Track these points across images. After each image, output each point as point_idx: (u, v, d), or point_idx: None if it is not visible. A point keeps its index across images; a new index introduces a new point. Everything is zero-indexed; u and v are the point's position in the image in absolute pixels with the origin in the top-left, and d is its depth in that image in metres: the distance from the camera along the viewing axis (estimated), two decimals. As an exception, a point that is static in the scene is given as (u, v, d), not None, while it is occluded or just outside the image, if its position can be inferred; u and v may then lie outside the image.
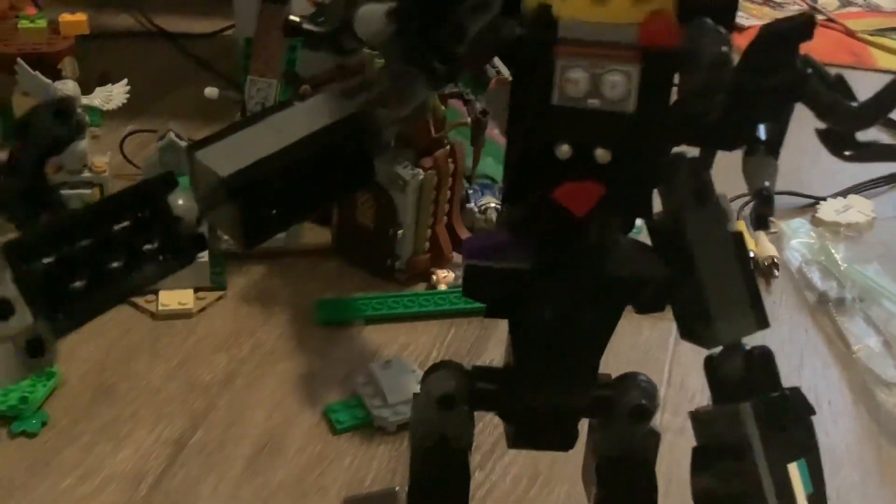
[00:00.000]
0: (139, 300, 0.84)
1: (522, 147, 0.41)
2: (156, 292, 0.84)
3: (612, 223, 0.43)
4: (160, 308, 0.83)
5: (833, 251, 0.98)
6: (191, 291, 0.85)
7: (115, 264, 0.39)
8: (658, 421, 0.74)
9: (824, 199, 1.08)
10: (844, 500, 0.73)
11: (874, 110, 0.41)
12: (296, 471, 0.70)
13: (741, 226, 1.01)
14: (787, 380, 0.44)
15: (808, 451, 0.43)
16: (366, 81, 0.43)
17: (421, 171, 0.86)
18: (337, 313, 0.86)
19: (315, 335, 0.84)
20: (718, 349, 0.45)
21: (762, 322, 0.45)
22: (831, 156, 1.16)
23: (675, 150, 0.44)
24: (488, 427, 0.75)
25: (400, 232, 0.88)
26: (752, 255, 0.96)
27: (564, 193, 0.40)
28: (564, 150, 0.39)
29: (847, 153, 0.43)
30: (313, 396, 0.77)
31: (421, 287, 0.91)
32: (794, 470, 0.42)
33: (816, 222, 1.04)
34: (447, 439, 0.47)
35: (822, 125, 0.43)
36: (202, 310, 0.85)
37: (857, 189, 1.12)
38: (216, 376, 0.78)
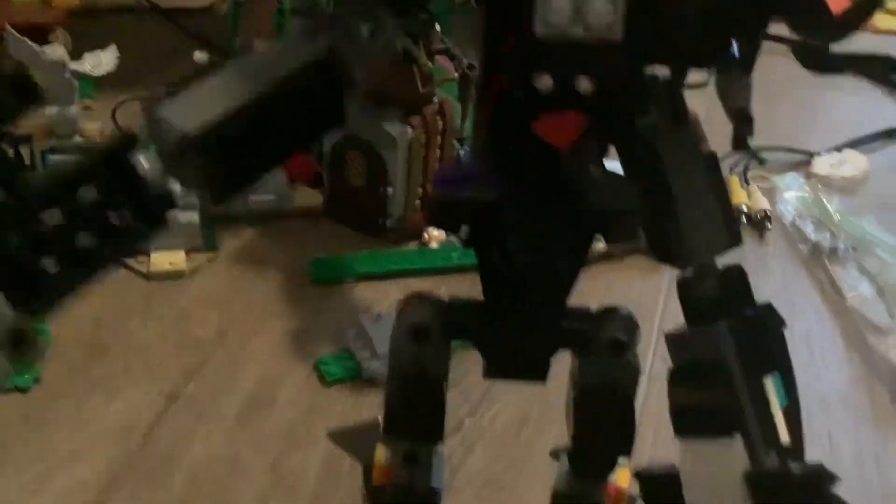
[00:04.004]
0: (131, 261, 0.84)
1: (501, 79, 0.40)
2: (147, 254, 0.85)
3: (591, 154, 0.43)
4: (152, 269, 0.84)
5: (827, 203, 0.97)
6: (182, 253, 0.85)
7: (84, 238, 0.37)
8: (648, 367, 0.75)
9: (819, 153, 1.08)
10: (836, 442, 0.73)
11: (849, 20, 0.41)
12: (287, 421, 0.71)
13: (733, 181, 1.02)
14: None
15: (782, 365, 0.43)
16: (330, 18, 0.43)
17: (409, 128, 0.86)
18: (331, 272, 0.86)
19: (307, 293, 0.84)
20: (691, 271, 0.45)
21: (736, 239, 0.44)
22: (827, 112, 1.17)
23: (649, 68, 0.44)
24: (478, 377, 0.75)
25: (390, 190, 0.88)
26: (744, 208, 0.97)
27: (545, 126, 0.39)
28: (545, 81, 0.38)
29: (819, 66, 0.43)
30: (305, 351, 0.78)
31: (413, 245, 0.91)
32: (770, 383, 0.42)
33: (810, 177, 1.04)
34: (422, 369, 0.47)
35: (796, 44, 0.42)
36: (194, 270, 0.85)
37: (853, 144, 1.11)
38: (209, 333, 0.79)
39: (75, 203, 0.37)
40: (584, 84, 0.38)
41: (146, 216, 0.39)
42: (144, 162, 0.38)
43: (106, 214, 0.38)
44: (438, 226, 0.44)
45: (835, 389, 0.78)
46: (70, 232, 0.37)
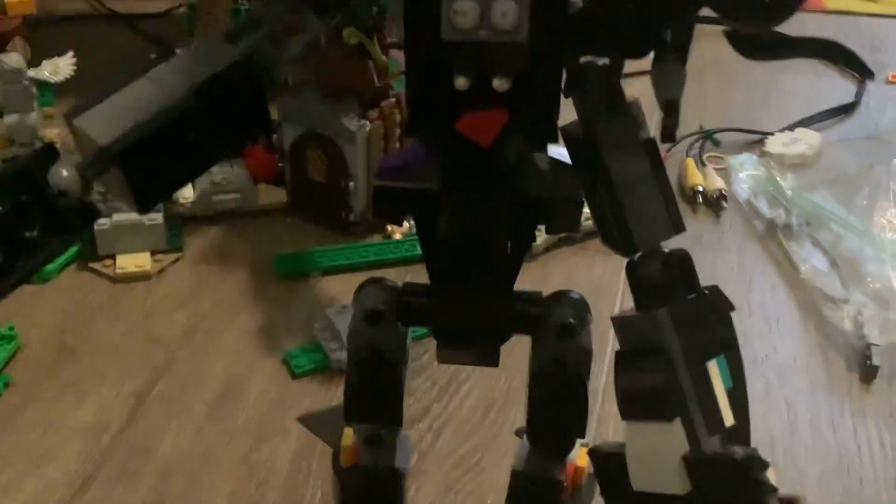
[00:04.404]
0: (96, 265, 0.85)
1: (420, 80, 0.41)
2: (112, 256, 0.85)
3: (520, 146, 0.43)
4: (118, 271, 0.84)
5: (780, 181, 0.99)
6: (147, 254, 0.86)
7: None
8: (608, 350, 0.76)
9: (772, 133, 1.10)
10: (793, 408, 0.75)
11: (778, 8, 0.41)
12: (257, 414, 0.72)
13: (689, 163, 1.04)
14: (736, 302, 0.43)
15: (728, 348, 0.43)
16: (252, 20, 0.41)
17: (367, 122, 0.87)
18: (294, 266, 0.87)
19: (274, 288, 0.85)
20: (638, 255, 0.46)
21: (678, 226, 0.45)
22: (780, 92, 1.17)
23: (585, 58, 0.45)
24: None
25: (352, 184, 0.89)
26: (700, 188, 0.99)
27: (466, 124, 0.40)
28: (461, 82, 0.39)
29: (754, 53, 0.44)
30: (273, 345, 0.79)
31: (377, 238, 0.92)
32: (714, 367, 0.43)
33: (764, 156, 1.06)
34: (380, 352, 0.48)
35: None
36: (160, 271, 0.86)
37: (806, 122, 1.14)
38: (176, 331, 0.80)
39: None
40: (498, 83, 0.39)
41: (60, 230, 0.39)
42: (65, 172, 0.38)
43: (18, 230, 0.38)
44: (381, 216, 0.44)
45: (791, 359, 0.80)
46: None
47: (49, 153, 0.38)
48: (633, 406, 0.43)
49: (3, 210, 0.37)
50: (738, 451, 0.40)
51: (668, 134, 0.41)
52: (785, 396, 0.76)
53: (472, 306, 0.46)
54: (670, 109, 0.40)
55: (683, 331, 0.42)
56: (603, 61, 0.44)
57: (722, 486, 0.40)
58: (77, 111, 0.38)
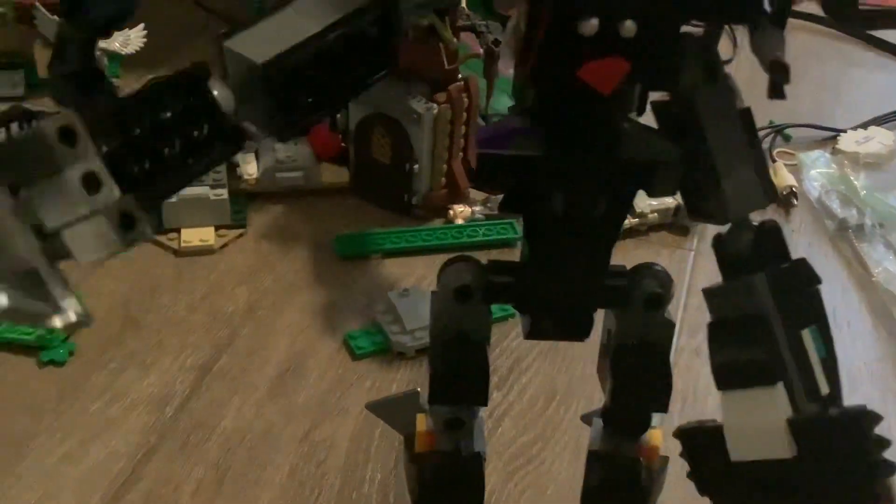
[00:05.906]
0: (161, 238, 0.85)
1: (546, 25, 0.41)
2: (177, 230, 0.86)
3: (631, 103, 0.43)
4: (182, 245, 0.85)
5: (853, 179, 0.97)
6: (212, 229, 0.86)
7: (172, 149, 0.39)
8: (675, 342, 0.75)
9: (844, 131, 1.07)
10: (862, 415, 0.73)
11: None
12: (318, 393, 0.72)
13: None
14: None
15: (818, 319, 0.42)
16: None
17: (435, 105, 0.86)
18: (356, 247, 0.87)
19: (335, 268, 0.85)
20: (726, 227, 0.45)
21: (771, 196, 0.45)
22: (851, 89, 1.14)
23: (683, 29, 0.44)
24: (506, 351, 0.76)
25: (416, 167, 0.89)
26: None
27: (589, 71, 0.40)
28: (592, 24, 0.39)
29: (848, 16, 0.43)
30: (334, 325, 0.79)
31: (438, 222, 0.91)
32: (807, 336, 0.43)
33: (836, 153, 1.03)
34: (465, 332, 0.47)
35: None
36: (223, 246, 0.86)
37: (879, 121, 1.10)
38: (238, 307, 0.80)
39: (161, 118, 0.38)
40: (628, 27, 0.39)
41: (224, 138, 0.40)
42: (217, 91, 0.39)
43: (188, 129, 0.39)
44: (482, 185, 0.44)
45: (862, 363, 0.78)
46: (158, 141, 0.38)
47: (203, 69, 0.39)
48: (732, 375, 0.43)
49: (176, 110, 0.38)
50: (844, 409, 0.39)
51: (778, 90, 0.40)
52: (855, 402, 0.74)
53: (569, 278, 0.46)
54: (777, 67, 0.40)
55: (779, 296, 0.42)
56: (699, 31, 0.44)
57: (832, 444, 0.39)
58: (227, 35, 0.40)
